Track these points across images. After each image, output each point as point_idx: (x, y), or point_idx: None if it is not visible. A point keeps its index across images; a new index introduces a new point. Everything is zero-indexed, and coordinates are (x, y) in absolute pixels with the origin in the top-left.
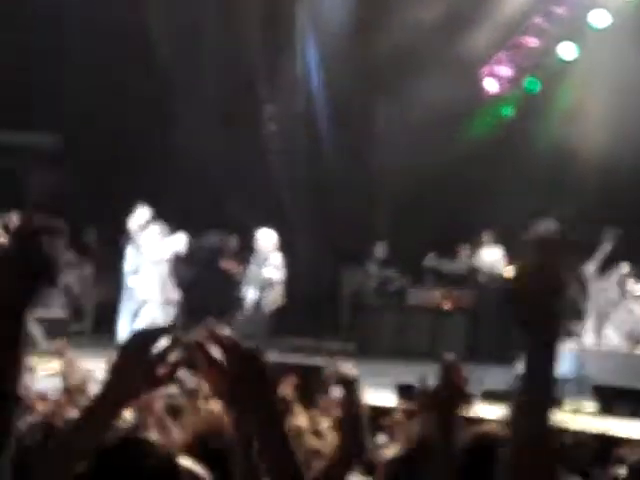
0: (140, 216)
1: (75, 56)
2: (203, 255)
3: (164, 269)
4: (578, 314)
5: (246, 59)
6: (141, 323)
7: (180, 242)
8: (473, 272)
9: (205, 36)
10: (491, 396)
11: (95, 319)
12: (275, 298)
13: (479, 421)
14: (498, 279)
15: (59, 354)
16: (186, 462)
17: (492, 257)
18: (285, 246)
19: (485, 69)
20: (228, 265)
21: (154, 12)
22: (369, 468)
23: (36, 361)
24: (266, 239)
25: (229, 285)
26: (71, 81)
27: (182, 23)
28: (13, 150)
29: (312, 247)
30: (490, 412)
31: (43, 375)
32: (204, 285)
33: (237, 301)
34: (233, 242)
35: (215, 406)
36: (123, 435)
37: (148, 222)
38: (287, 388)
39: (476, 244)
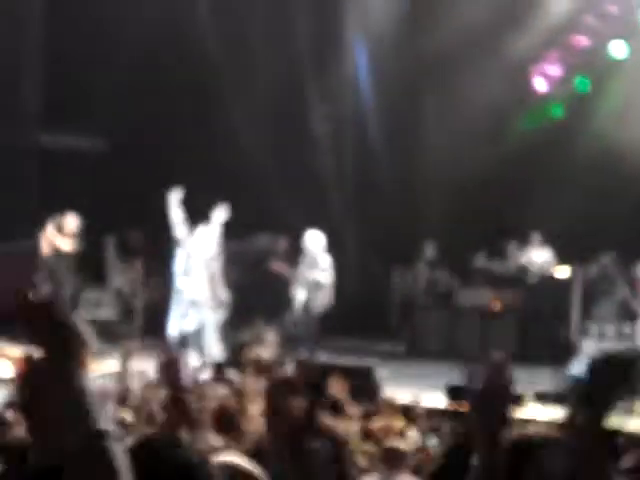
0: (176, 212)
1: (122, 59)
2: (252, 256)
3: (214, 269)
4: (631, 316)
5: (295, 59)
6: (191, 324)
7: (217, 224)
8: (522, 272)
9: (254, 36)
10: (542, 397)
11: (145, 320)
12: (324, 299)
13: (527, 422)
14: (547, 279)
15: (126, 356)
16: (236, 459)
17: (541, 257)
18: (334, 246)
19: (535, 68)
20: (277, 266)
21: (204, 14)
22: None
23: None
24: (314, 241)
25: (278, 286)
26: (118, 85)
27: (231, 25)
28: (61, 153)
29: (361, 247)
30: (541, 413)
31: (94, 376)
32: (253, 286)
33: (286, 302)
34: (282, 243)
35: (258, 408)
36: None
37: (184, 215)
38: (338, 389)
39: (524, 244)
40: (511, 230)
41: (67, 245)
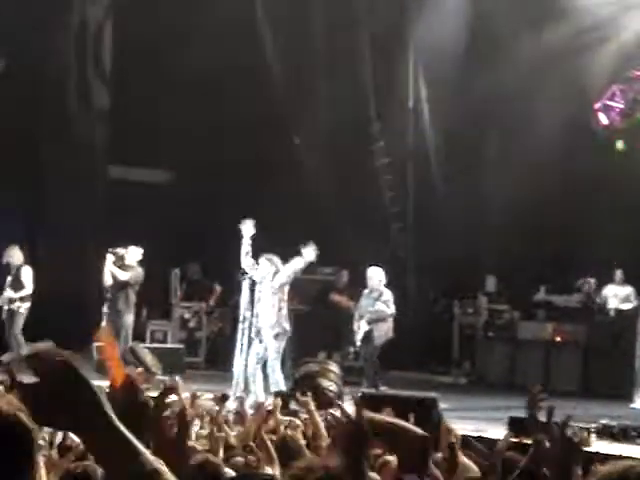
0: (246, 242)
1: (188, 94)
2: (314, 288)
3: (280, 299)
4: None
5: (358, 95)
6: (255, 354)
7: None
8: (587, 306)
9: (318, 73)
10: (606, 432)
11: (208, 352)
12: (386, 332)
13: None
14: (611, 313)
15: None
16: None
17: (622, 294)
18: (396, 279)
19: (598, 102)
20: (339, 299)
21: (269, 50)
22: None
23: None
24: (376, 275)
25: (340, 318)
26: (184, 118)
27: (296, 58)
28: (129, 185)
29: (422, 280)
30: (606, 448)
31: None
32: (315, 318)
33: (348, 335)
34: (344, 276)
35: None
36: None
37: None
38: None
39: (604, 279)
40: (572, 263)
41: (126, 276)
